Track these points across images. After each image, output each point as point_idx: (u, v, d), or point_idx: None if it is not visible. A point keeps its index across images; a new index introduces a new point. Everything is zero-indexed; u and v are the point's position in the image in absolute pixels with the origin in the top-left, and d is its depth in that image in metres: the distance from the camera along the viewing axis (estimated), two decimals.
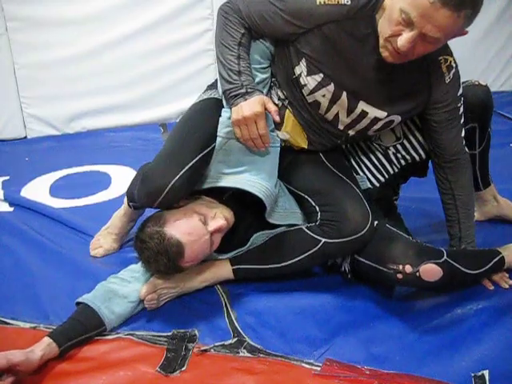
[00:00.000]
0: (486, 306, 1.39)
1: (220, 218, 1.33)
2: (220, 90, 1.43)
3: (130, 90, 3.01)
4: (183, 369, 1.20)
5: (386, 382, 1.14)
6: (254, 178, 1.37)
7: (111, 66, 2.93)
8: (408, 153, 1.56)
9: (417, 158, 1.57)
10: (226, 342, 1.27)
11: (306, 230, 1.39)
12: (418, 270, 1.29)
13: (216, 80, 1.54)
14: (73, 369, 1.19)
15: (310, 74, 1.37)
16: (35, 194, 2.18)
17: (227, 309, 1.39)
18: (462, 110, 1.44)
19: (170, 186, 1.28)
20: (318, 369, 1.19)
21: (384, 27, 1.23)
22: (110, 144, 2.84)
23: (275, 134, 1.45)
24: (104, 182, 2.30)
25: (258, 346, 1.26)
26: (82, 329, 1.24)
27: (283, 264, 1.40)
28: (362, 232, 1.33)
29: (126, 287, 1.34)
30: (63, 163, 2.52)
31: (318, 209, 1.39)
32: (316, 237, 1.36)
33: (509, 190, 1.90)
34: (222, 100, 1.44)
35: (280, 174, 1.48)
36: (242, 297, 1.44)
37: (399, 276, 1.31)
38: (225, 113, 1.40)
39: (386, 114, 1.40)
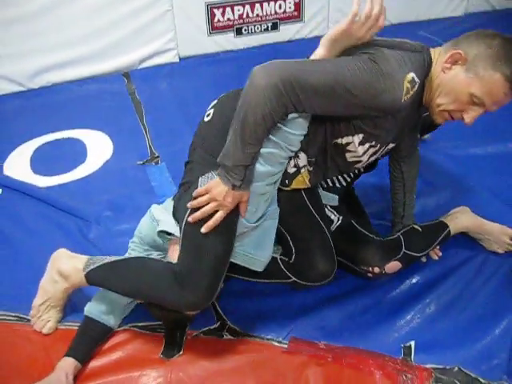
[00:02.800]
0: (418, 280, 1.72)
1: None
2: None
3: (90, 42, 3.06)
4: (180, 353, 1.51)
5: (338, 355, 1.48)
6: (253, 254, 1.50)
7: (70, 20, 2.96)
8: None
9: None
10: (212, 327, 1.58)
11: (280, 263, 1.59)
12: (384, 269, 1.62)
13: (205, 160, 1.47)
14: (97, 362, 1.49)
15: (362, 144, 1.44)
16: (18, 170, 2.34)
17: None
18: None
19: (214, 297, 1.42)
20: (286, 346, 1.52)
21: (442, 99, 1.37)
22: (77, 100, 2.95)
23: (275, 207, 1.52)
24: (80, 152, 2.46)
25: (237, 329, 1.57)
26: (97, 342, 1.50)
27: (258, 280, 1.64)
28: (327, 279, 1.58)
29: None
30: (36, 128, 2.64)
31: (293, 250, 1.58)
32: (288, 274, 1.59)
33: None
34: None
35: None
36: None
37: (369, 275, 1.64)
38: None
39: (394, 144, 1.56)
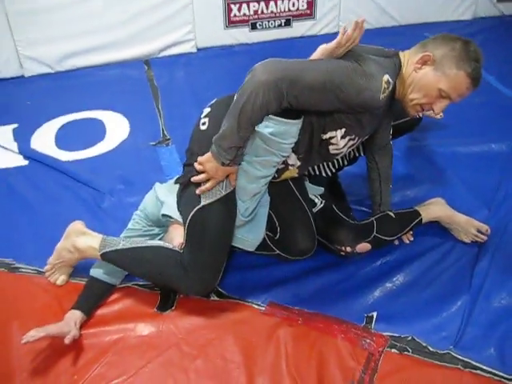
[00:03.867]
0: (389, 260, 1.93)
1: None
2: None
3: (115, 31, 3.31)
4: (172, 308, 1.74)
5: (307, 319, 1.71)
6: (246, 236, 1.74)
7: (97, 10, 3.22)
8: (358, 150, 2.02)
9: (361, 153, 2.03)
10: None
11: (266, 238, 1.80)
12: (355, 249, 1.84)
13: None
14: (100, 312, 1.74)
15: (344, 137, 1.64)
16: (43, 144, 2.60)
17: None
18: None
19: (217, 282, 1.70)
20: (263, 309, 1.75)
21: (415, 94, 1.60)
22: (99, 84, 3.20)
23: (266, 196, 1.75)
24: (100, 131, 2.72)
25: (223, 292, 1.80)
26: (101, 298, 1.74)
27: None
28: (307, 255, 1.80)
29: None
30: (62, 108, 2.90)
31: (278, 229, 1.80)
32: (273, 247, 1.81)
33: None
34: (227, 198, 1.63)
35: None
36: None
37: (342, 253, 1.86)
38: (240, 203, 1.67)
39: (368, 136, 1.79)
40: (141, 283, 1.83)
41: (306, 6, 3.57)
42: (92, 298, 1.74)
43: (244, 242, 1.77)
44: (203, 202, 1.63)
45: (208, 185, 1.60)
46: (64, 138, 2.67)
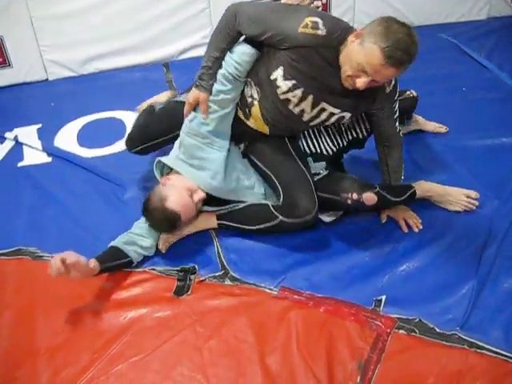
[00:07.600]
0: (397, 248, 1.98)
1: (201, 191, 1.94)
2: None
3: (135, 35, 3.42)
4: (188, 293, 1.82)
5: (318, 302, 1.77)
6: (200, 174, 1.95)
7: (117, 15, 3.33)
8: (355, 130, 2.10)
9: (360, 135, 2.12)
10: (216, 274, 1.88)
11: (270, 207, 1.94)
12: (361, 197, 1.89)
13: None
14: (119, 296, 1.83)
15: (285, 79, 1.79)
16: (66, 142, 2.72)
17: (217, 248, 2.00)
18: (396, 107, 1.94)
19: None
20: (276, 293, 1.82)
21: (345, 66, 1.70)
22: (120, 86, 3.30)
23: (225, 142, 1.97)
24: (120, 130, 2.81)
25: (237, 277, 1.88)
26: (116, 259, 1.84)
27: (251, 227, 1.97)
28: (310, 216, 1.89)
29: (144, 241, 1.91)
30: (84, 109, 3.02)
31: (281, 192, 1.93)
32: (276, 214, 1.91)
33: None
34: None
35: (250, 150, 2.06)
36: (228, 239, 2.03)
37: (349, 201, 1.91)
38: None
39: (339, 110, 1.88)
40: (158, 268, 1.92)
41: (320, 8, 3.65)
42: (108, 257, 1.83)
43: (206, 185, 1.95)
44: None
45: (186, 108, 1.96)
46: (86, 137, 2.78)
